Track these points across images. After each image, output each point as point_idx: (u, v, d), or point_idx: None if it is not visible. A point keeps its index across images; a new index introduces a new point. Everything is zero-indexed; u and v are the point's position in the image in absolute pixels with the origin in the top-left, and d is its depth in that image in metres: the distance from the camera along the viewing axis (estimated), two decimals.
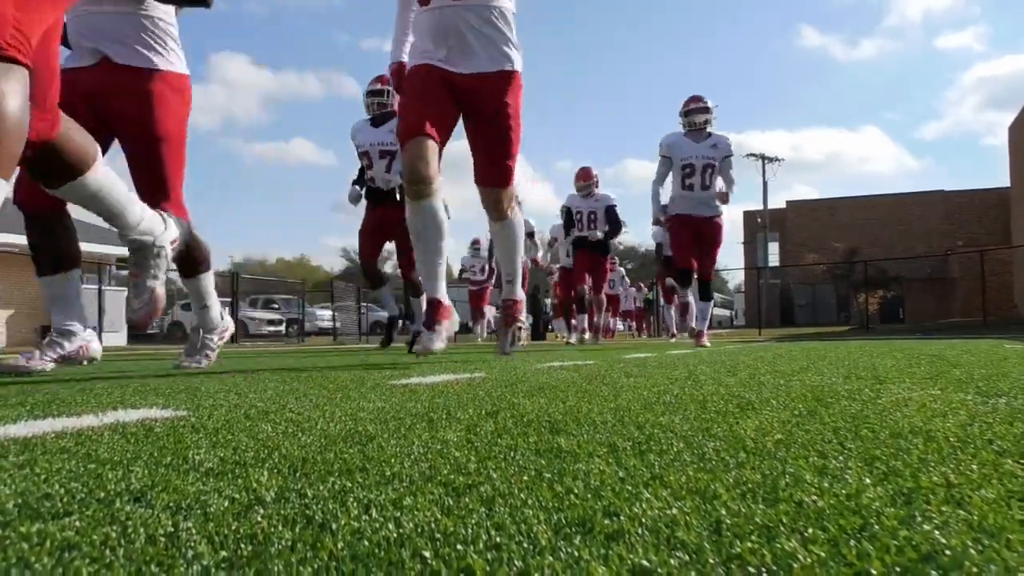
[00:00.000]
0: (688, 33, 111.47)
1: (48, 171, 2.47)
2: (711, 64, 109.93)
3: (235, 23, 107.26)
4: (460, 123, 3.63)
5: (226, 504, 0.81)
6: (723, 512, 0.74)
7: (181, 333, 20.76)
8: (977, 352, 4.11)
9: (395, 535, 0.68)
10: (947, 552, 0.61)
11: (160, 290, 2.91)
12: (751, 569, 0.58)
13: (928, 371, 2.58)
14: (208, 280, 3.56)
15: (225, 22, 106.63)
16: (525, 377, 2.63)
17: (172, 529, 0.71)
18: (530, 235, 10.52)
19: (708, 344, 6.83)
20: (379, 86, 6.54)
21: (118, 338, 14.80)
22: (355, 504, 0.80)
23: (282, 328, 21.39)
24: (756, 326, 20.74)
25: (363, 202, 6.76)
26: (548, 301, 16.56)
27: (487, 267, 13.00)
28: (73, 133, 2.44)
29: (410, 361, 4.15)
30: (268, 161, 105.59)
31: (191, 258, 3.37)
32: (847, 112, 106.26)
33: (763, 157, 39.30)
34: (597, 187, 9.39)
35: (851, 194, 39.08)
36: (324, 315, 23.62)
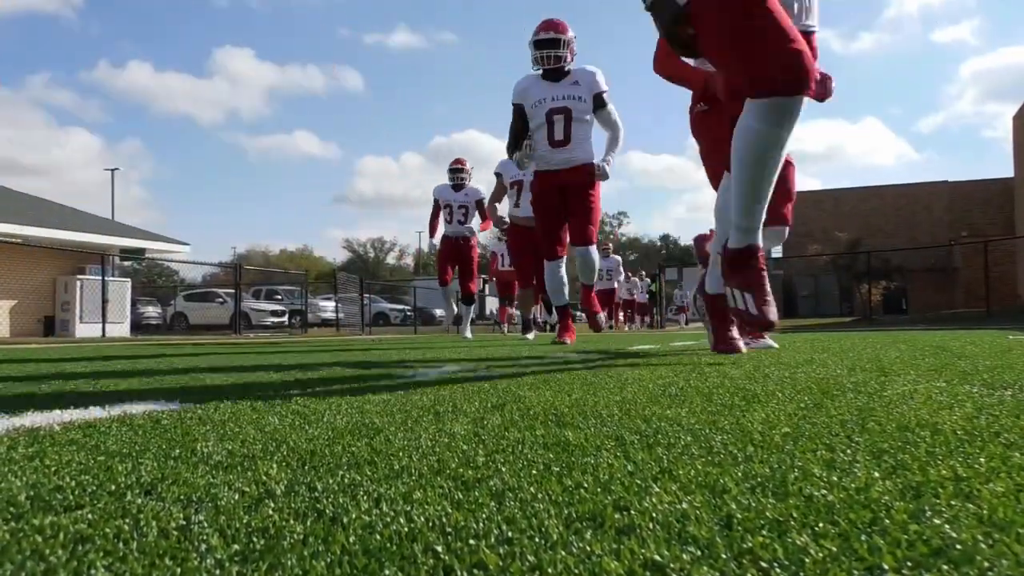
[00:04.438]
0: None
1: None
2: None
3: (238, 18, 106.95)
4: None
5: (236, 497, 0.81)
6: (733, 506, 0.74)
7: (185, 324, 20.85)
8: (981, 343, 4.10)
9: (406, 529, 0.69)
10: (958, 547, 0.61)
11: None
12: (763, 564, 0.58)
13: (933, 363, 2.58)
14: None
15: (228, 17, 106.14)
16: (529, 369, 2.63)
17: (184, 522, 0.71)
18: None
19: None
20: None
21: (121, 329, 14.81)
22: (365, 498, 0.80)
23: (285, 319, 21.43)
24: None
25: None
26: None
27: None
28: None
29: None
30: (271, 153, 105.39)
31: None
32: (847, 105, 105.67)
33: None
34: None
35: (853, 185, 38.99)
36: (327, 306, 23.63)
